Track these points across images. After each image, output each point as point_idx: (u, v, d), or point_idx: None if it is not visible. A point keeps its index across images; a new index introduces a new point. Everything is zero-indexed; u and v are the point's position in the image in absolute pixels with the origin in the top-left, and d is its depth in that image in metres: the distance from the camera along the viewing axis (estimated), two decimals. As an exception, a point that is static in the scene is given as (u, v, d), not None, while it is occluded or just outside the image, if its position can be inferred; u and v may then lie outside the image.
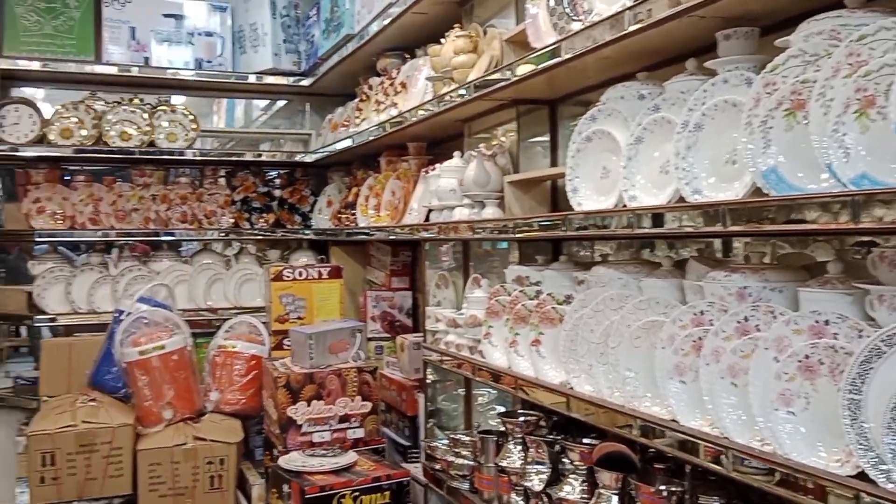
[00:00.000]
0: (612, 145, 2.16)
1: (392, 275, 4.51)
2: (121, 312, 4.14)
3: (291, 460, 3.28)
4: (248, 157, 5.43)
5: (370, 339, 4.30)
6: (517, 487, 2.62)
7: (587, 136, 2.23)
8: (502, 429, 2.78)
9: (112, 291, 4.82)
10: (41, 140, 4.82)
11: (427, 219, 3.43)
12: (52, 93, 5.57)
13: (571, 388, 2.27)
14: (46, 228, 4.89)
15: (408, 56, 3.98)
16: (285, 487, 3.16)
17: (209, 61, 5.25)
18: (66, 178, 5.14)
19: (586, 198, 2.24)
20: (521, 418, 2.71)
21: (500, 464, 2.68)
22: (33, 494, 3.59)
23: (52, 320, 4.81)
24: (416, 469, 3.42)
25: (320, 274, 4.16)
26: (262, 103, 6.58)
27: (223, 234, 5.27)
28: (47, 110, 4.95)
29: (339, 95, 5.06)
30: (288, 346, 3.93)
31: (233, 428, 3.90)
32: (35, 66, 4.85)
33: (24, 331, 7.16)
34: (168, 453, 3.66)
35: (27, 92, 5.16)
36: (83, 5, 4.95)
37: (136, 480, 3.65)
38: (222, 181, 5.38)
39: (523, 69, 2.48)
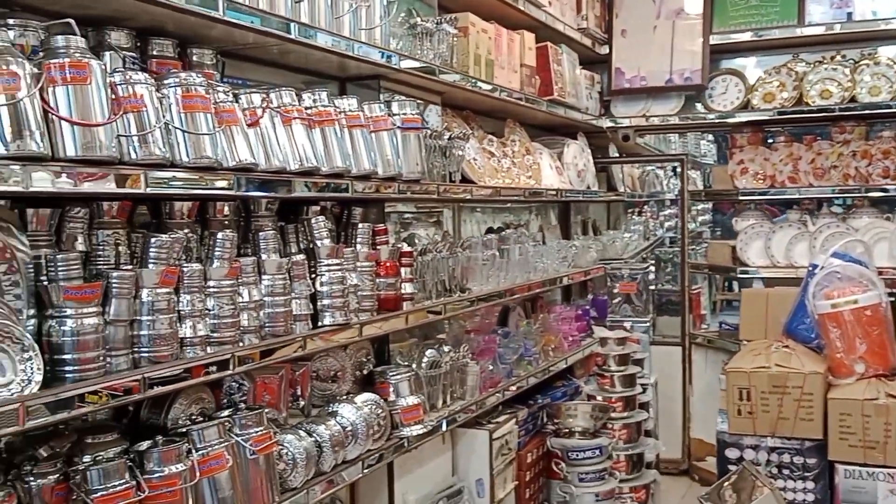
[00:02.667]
0: None
1: None
2: (815, 266, 4.27)
3: None
4: (965, 104, 4.91)
5: None
6: None
7: None
8: None
9: (809, 246, 4.96)
10: (745, 106, 5.23)
11: None
12: (756, 60, 5.91)
13: None
14: (748, 187, 5.28)
15: None
16: None
17: (921, 5, 4.90)
18: (767, 139, 5.46)
19: None
20: None
21: None
22: (731, 424, 4.02)
23: (753, 272, 5.20)
24: None
25: None
26: None
27: (930, 190, 4.91)
28: (752, 78, 5.31)
29: None
30: None
31: (935, 391, 3.70)
32: (743, 37, 5.24)
33: (734, 286, 7.84)
34: (858, 406, 3.69)
35: (734, 63, 5.61)
36: (788, -29, 5.14)
37: (826, 427, 3.77)
38: (932, 133, 5.00)
39: None
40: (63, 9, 1.94)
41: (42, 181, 1.66)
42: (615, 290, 5.59)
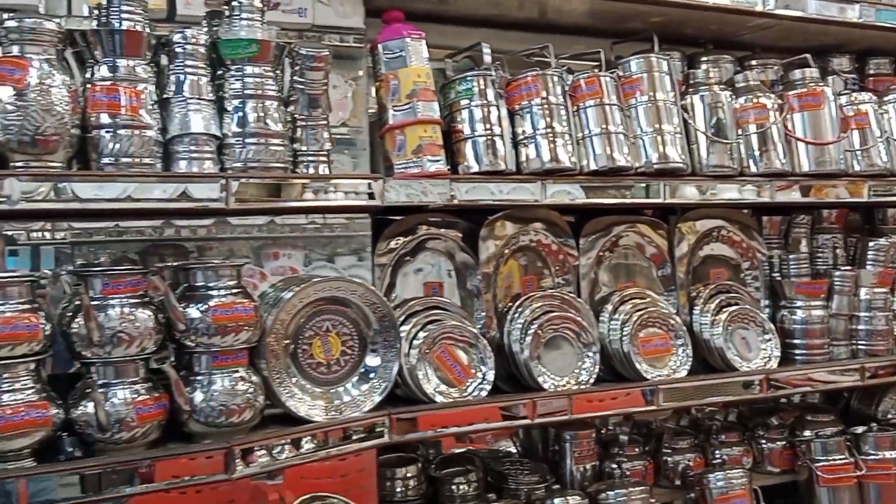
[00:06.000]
0: None
1: None
2: None
3: None
4: None
5: None
6: None
7: None
8: None
9: None
10: None
11: None
12: None
13: None
14: None
15: None
16: None
17: None
18: None
19: None
20: None
21: None
22: None
23: None
24: None
25: None
26: None
27: None
28: None
29: None
30: None
31: None
32: None
33: None
34: None
35: None
36: None
37: None
38: None
39: None
40: (794, 44, 2.25)
41: (748, 192, 1.98)
42: None
